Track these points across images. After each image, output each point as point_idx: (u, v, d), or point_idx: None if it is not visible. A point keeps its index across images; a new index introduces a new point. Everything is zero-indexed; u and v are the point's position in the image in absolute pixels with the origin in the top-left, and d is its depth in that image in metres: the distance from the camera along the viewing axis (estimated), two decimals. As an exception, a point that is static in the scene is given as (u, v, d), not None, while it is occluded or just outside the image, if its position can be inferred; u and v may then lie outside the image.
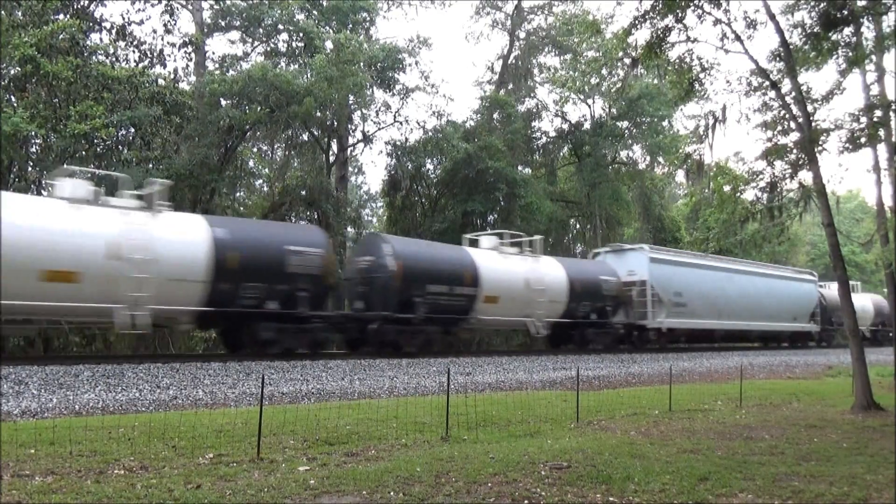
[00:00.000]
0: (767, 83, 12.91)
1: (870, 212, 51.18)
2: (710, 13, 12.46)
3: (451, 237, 26.64)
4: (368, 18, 30.35)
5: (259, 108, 23.61)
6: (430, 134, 30.30)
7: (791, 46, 12.45)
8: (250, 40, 29.10)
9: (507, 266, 19.33)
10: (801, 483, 6.14)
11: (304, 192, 27.79)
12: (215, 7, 27.39)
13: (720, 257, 29.64)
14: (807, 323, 31.12)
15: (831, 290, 36.24)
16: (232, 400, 11.07)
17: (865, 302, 36.38)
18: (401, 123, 30.68)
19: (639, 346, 23.19)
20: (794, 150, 12.82)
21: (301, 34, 26.80)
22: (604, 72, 33.25)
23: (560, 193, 37.87)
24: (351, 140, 31.60)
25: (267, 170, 33.65)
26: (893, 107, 12.73)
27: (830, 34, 12.21)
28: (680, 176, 37.02)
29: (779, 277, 30.12)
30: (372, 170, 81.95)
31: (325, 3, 28.64)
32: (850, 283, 37.41)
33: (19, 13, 19.42)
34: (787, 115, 12.90)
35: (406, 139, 30.98)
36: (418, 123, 33.17)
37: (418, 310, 16.77)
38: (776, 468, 6.74)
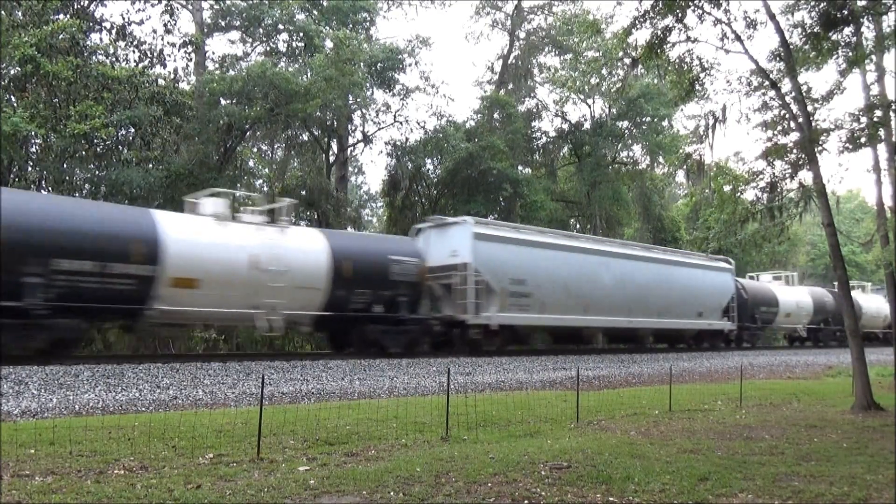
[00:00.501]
0: (767, 83, 12.92)
1: (870, 212, 51.22)
2: (710, 13, 12.46)
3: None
4: (368, 18, 30.40)
5: (258, 107, 23.63)
6: (430, 134, 30.35)
7: (791, 46, 12.45)
8: (250, 40, 29.15)
9: (220, 238, 14.09)
10: (801, 483, 6.13)
11: (304, 192, 27.83)
12: (215, 7, 27.43)
13: (591, 237, 24.64)
14: (718, 320, 25.71)
15: (761, 281, 32.16)
16: (232, 400, 11.07)
17: (802, 296, 31.97)
18: (401, 123, 30.77)
19: (461, 348, 18.01)
20: (794, 150, 12.83)
21: (301, 34, 26.84)
22: (604, 72, 33.28)
23: (560, 193, 37.90)
24: (351, 140, 31.67)
25: (267, 170, 33.68)
26: (893, 107, 12.74)
27: (830, 34, 12.22)
28: (680, 176, 37.09)
29: (677, 264, 24.58)
30: (372, 170, 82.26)
31: (325, 3, 28.69)
32: (784, 274, 33.32)
33: (19, 13, 19.44)
34: (787, 115, 12.90)
35: (406, 139, 31.07)
36: (418, 123, 33.25)
37: (32, 295, 11.70)
38: (776, 468, 6.74)
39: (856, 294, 36.28)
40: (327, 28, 27.65)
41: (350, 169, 35.03)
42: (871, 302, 35.63)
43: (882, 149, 14.86)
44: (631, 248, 23.66)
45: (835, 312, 32.57)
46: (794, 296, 31.42)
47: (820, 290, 34.67)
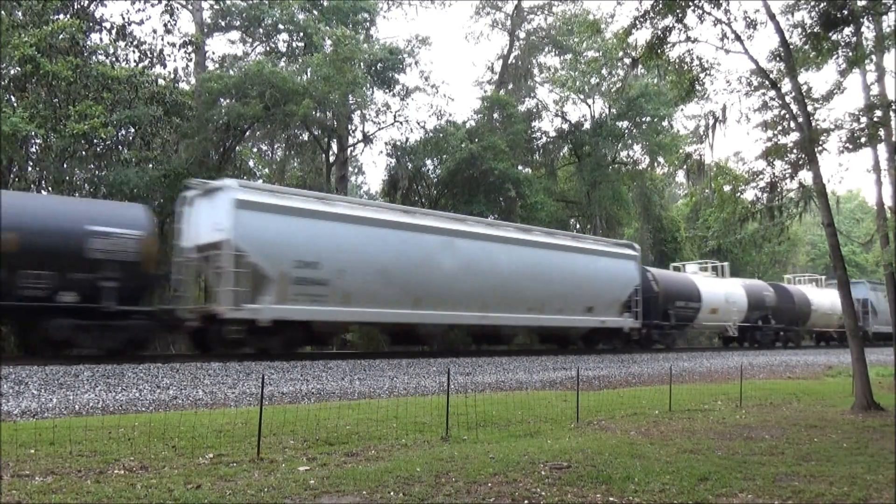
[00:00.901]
0: (767, 83, 12.93)
1: (870, 212, 51.25)
2: (710, 13, 12.48)
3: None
4: (368, 18, 30.40)
5: (256, 105, 23.60)
6: (430, 134, 30.35)
7: (791, 46, 12.46)
8: (250, 40, 29.15)
9: None
10: (801, 483, 6.14)
11: (304, 192, 27.78)
12: (215, 7, 27.43)
13: (428, 211, 19.96)
14: (616, 316, 21.31)
15: (688, 272, 27.84)
16: (232, 400, 11.07)
17: (733, 289, 27.40)
18: (401, 123, 30.76)
19: (219, 349, 14.23)
20: (794, 150, 12.85)
21: (301, 33, 26.83)
22: (604, 72, 33.37)
23: (560, 193, 37.91)
24: (351, 140, 31.65)
25: (266, 170, 33.66)
26: (893, 107, 12.76)
27: (830, 34, 12.23)
28: (680, 176, 37.17)
29: (558, 248, 20.02)
30: (372, 170, 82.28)
31: (325, 3, 28.69)
32: (712, 264, 30.88)
33: (19, 13, 19.45)
34: (787, 115, 12.92)
35: (406, 139, 31.07)
36: (418, 123, 33.27)
37: None
38: (776, 468, 6.74)
39: (806, 288, 32.44)
40: (326, 27, 27.66)
41: (350, 169, 35.01)
42: (824, 297, 31.30)
43: (882, 149, 14.89)
44: (489, 227, 19.11)
45: (776, 309, 28.96)
46: (723, 289, 26.95)
47: (759, 283, 30.66)
